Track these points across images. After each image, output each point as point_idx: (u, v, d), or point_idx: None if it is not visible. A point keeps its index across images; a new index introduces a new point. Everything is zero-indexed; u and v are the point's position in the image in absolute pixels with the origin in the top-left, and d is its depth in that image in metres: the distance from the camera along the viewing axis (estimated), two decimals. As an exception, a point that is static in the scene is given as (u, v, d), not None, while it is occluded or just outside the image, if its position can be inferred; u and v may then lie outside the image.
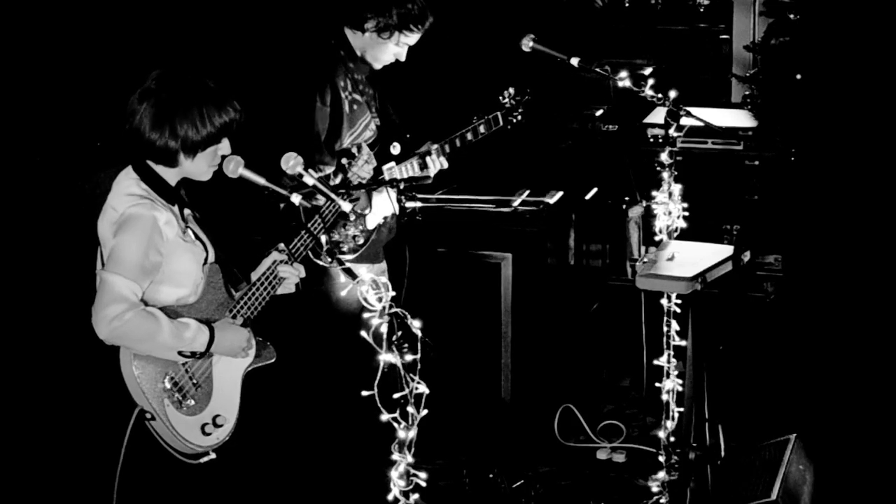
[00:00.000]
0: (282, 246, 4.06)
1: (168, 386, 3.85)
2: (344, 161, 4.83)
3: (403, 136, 5.04)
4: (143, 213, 3.82)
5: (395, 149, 4.99)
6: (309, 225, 4.10)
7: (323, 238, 3.99)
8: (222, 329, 3.93)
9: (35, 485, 5.19)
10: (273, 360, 4.14)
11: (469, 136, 5.11)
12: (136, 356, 3.80)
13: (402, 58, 4.94)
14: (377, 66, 4.96)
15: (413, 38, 4.89)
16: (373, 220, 4.90)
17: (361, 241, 4.89)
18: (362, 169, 4.82)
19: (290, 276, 4.07)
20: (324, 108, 4.83)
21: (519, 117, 5.21)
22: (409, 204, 4.43)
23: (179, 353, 3.85)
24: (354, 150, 4.87)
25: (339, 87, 4.88)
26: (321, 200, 4.18)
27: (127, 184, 3.89)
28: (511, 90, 5.20)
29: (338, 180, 4.82)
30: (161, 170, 3.90)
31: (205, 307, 3.96)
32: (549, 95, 6.01)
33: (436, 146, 5.06)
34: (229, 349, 3.96)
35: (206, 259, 3.99)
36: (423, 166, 5.03)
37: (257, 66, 6.06)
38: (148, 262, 3.80)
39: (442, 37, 5.13)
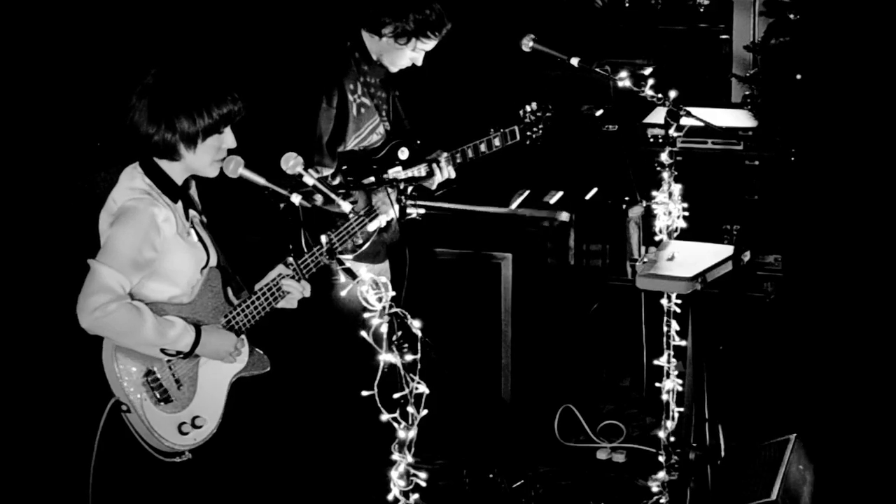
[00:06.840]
0: (290, 260, 4.05)
1: (148, 380, 3.84)
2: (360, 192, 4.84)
3: (414, 142, 5.02)
4: (141, 208, 3.81)
5: (404, 153, 4.97)
6: (321, 243, 4.06)
7: (324, 238, 3.99)
8: (209, 332, 3.92)
9: (10, 472, 5.19)
10: (266, 371, 4.12)
11: (483, 148, 5.08)
12: (118, 348, 3.79)
13: (419, 62, 4.94)
14: (393, 69, 4.96)
15: (430, 44, 4.89)
16: (374, 223, 4.88)
17: (360, 241, 4.88)
18: (381, 200, 4.80)
19: (294, 292, 4.04)
20: (329, 109, 4.83)
21: (539, 133, 5.17)
22: (410, 210, 4.41)
23: (163, 350, 3.84)
24: (371, 178, 4.87)
25: (346, 90, 4.88)
26: (320, 200, 4.18)
27: (131, 177, 3.89)
28: (533, 105, 5.16)
29: (336, 182, 4.81)
30: (166, 166, 3.90)
31: (200, 310, 3.95)
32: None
33: (446, 154, 5.03)
34: (215, 353, 3.94)
35: (206, 262, 3.98)
36: (430, 173, 5.01)
37: (268, 64, 6.07)
38: (140, 256, 3.79)
39: (463, 45, 5.11)
